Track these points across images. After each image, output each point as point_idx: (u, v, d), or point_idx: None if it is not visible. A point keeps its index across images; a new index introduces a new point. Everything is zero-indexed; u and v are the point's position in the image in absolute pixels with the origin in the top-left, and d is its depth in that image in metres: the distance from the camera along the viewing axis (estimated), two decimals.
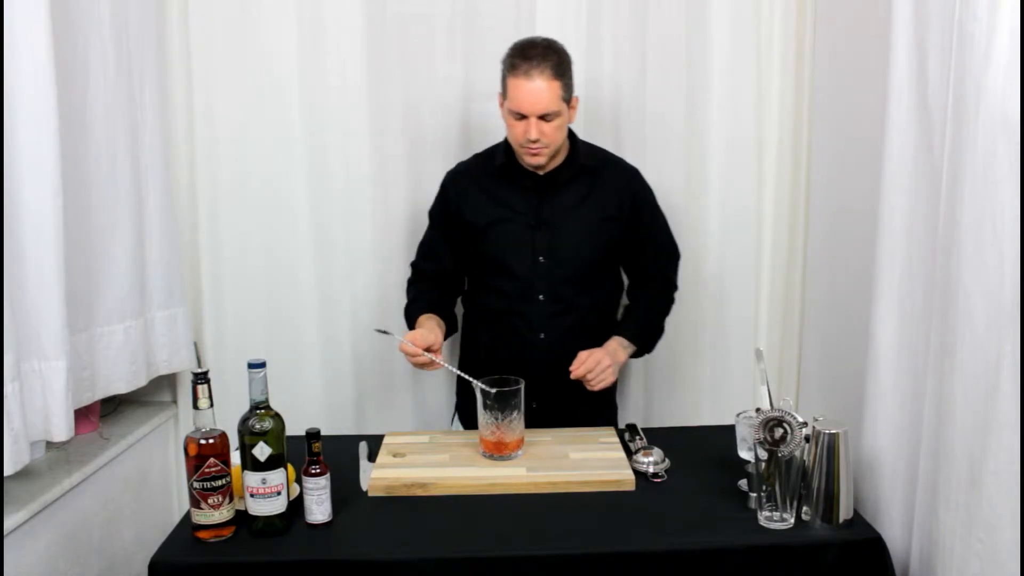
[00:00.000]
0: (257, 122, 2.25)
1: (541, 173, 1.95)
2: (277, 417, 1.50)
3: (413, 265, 2.11)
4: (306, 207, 2.31)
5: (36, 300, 1.63)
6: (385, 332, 1.88)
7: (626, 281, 2.14)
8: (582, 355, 1.87)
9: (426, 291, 2.05)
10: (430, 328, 1.88)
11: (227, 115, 2.24)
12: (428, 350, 1.80)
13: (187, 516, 1.54)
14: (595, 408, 2.06)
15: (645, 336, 2.04)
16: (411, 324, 1.98)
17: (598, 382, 1.86)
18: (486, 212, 1.97)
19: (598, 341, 1.94)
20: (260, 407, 1.49)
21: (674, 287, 2.13)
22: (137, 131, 2.01)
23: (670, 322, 2.40)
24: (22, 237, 1.61)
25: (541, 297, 1.96)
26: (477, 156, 2.08)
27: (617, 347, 1.94)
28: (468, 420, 2.11)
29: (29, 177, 1.60)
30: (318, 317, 2.36)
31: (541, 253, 1.95)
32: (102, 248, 1.90)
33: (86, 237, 1.85)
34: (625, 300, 2.15)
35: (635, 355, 2.03)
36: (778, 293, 2.41)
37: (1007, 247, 1.25)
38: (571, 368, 1.85)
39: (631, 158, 2.31)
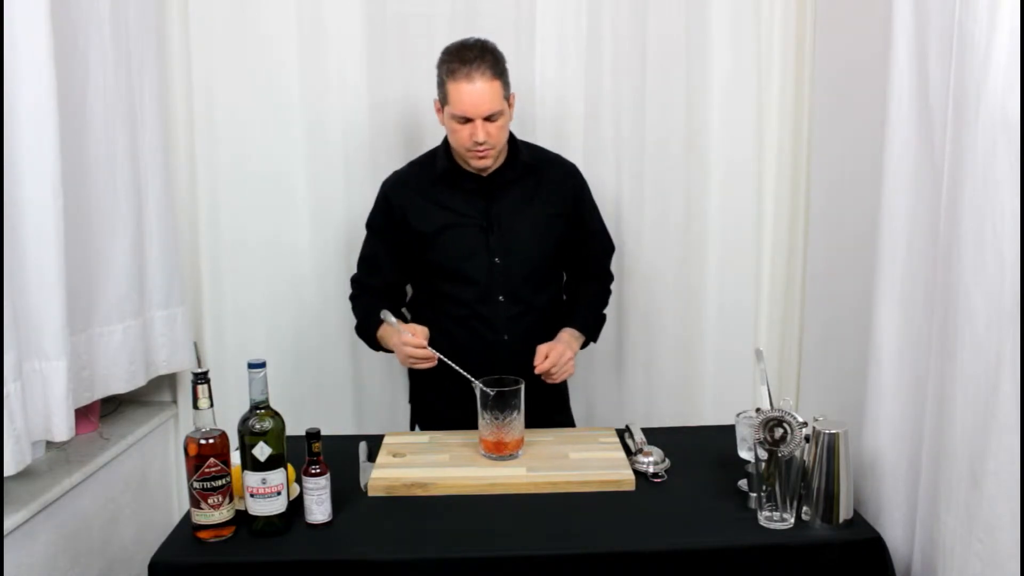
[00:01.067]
0: (257, 122, 2.25)
1: (485, 175, 1.94)
2: (277, 417, 1.50)
3: (356, 280, 2.07)
4: (306, 207, 2.31)
5: (37, 300, 1.63)
6: (392, 318, 1.86)
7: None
8: (542, 349, 1.89)
9: (378, 302, 1.99)
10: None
11: (227, 115, 2.24)
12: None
13: (187, 516, 1.53)
14: (552, 403, 2.07)
15: (593, 326, 2.08)
16: (374, 336, 1.97)
17: (561, 375, 1.90)
18: (433, 219, 1.95)
19: (554, 337, 1.97)
20: (260, 407, 1.49)
21: (611, 278, 2.17)
22: (137, 131, 2.01)
23: (671, 322, 2.41)
24: (22, 237, 1.61)
25: (501, 298, 1.95)
26: (413, 163, 2.05)
27: (571, 339, 1.98)
28: (425, 425, 2.11)
29: (29, 177, 1.60)
30: (318, 317, 2.36)
31: (496, 254, 1.94)
32: (102, 248, 1.90)
33: (86, 237, 1.84)
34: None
35: (583, 345, 2.06)
36: (778, 293, 2.41)
37: (1007, 247, 1.25)
38: (535, 363, 1.86)
39: (630, 158, 2.32)
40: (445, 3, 2.24)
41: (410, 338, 1.83)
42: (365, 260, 2.05)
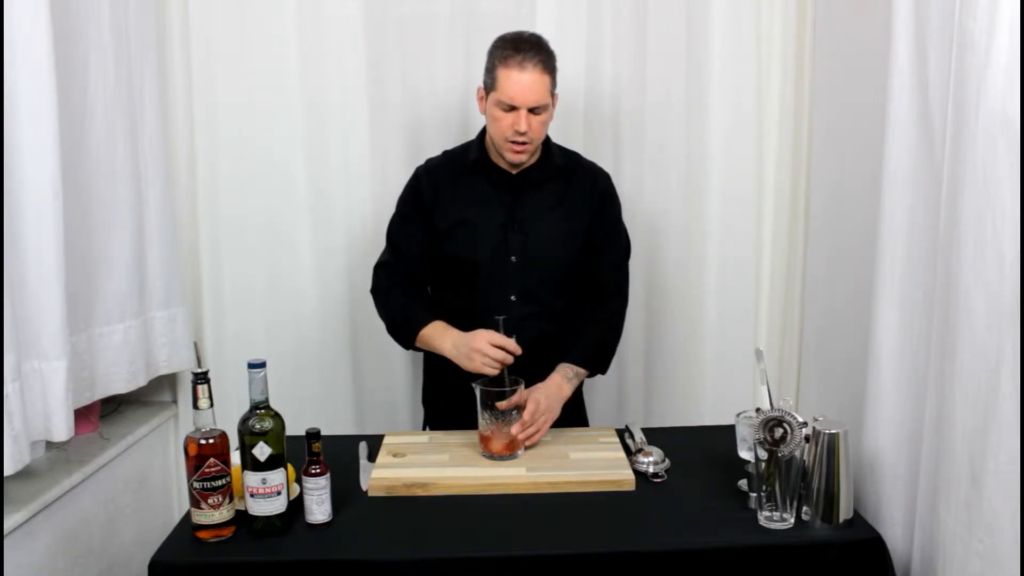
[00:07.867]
0: (257, 122, 2.25)
1: (515, 172, 1.93)
2: (277, 417, 1.50)
3: (382, 265, 2.00)
4: (306, 208, 2.31)
5: (36, 300, 1.63)
6: (505, 322, 1.80)
7: None
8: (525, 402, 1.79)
9: (406, 294, 1.95)
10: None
11: (227, 116, 2.24)
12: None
13: (187, 516, 1.53)
14: (566, 408, 1.96)
15: (599, 359, 1.97)
16: (415, 330, 1.89)
17: (540, 435, 1.81)
18: (457, 209, 1.92)
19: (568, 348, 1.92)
20: (260, 407, 1.49)
21: (625, 297, 2.03)
22: (137, 131, 2.01)
23: (671, 322, 2.41)
24: (22, 237, 1.61)
25: (513, 298, 1.92)
26: (447, 152, 2.03)
27: (562, 381, 1.88)
28: (438, 426, 2.07)
29: (29, 177, 1.60)
30: (318, 317, 2.36)
31: (514, 253, 1.91)
32: (102, 248, 1.90)
33: (86, 237, 1.84)
34: None
35: (588, 376, 1.98)
36: (778, 293, 2.41)
37: (1007, 247, 1.25)
38: (512, 431, 1.77)
39: (631, 158, 2.32)
40: (445, 3, 2.24)
41: (497, 336, 1.76)
42: (392, 243, 1.99)
